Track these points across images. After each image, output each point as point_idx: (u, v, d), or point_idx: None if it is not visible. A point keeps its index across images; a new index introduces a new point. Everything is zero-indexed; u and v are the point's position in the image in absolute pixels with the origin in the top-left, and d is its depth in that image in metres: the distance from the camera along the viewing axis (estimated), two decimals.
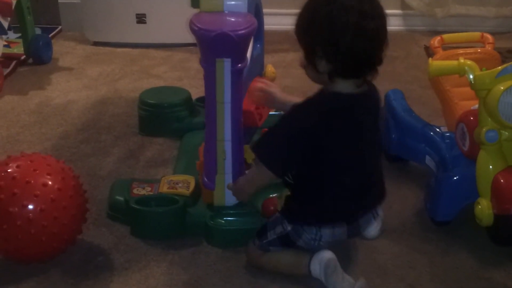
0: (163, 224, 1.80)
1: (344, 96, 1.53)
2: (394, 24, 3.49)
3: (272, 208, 1.72)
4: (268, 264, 1.66)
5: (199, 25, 1.65)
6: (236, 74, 1.70)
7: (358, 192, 1.61)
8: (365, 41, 1.47)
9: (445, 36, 2.13)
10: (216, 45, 1.64)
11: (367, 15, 1.46)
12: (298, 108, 1.57)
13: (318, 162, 1.56)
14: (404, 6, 3.50)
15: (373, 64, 1.52)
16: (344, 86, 1.53)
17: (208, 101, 1.74)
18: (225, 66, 1.67)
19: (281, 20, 3.39)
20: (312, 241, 1.61)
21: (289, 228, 1.62)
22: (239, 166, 1.80)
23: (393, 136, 2.09)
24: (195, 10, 1.76)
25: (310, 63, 1.53)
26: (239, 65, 1.69)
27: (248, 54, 1.78)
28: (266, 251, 1.65)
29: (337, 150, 1.55)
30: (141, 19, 3.25)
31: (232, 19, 1.71)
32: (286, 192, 1.70)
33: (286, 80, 2.82)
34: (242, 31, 1.65)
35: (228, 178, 1.78)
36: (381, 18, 1.49)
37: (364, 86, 1.56)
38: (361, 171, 1.61)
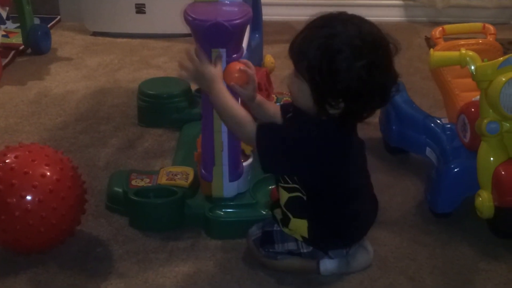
0: (162, 215, 1.79)
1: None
2: (395, 15, 3.47)
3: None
4: (274, 268, 1.63)
5: (193, 15, 1.64)
6: None
7: (372, 202, 1.62)
8: (387, 89, 1.45)
9: (447, 26, 2.12)
10: (210, 35, 1.62)
11: (384, 61, 1.43)
12: (313, 127, 1.45)
13: (338, 181, 1.51)
14: None
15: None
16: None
17: (204, 92, 1.72)
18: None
19: (280, 10, 3.39)
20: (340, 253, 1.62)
21: (306, 250, 1.59)
22: (237, 157, 1.79)
23: (394, 127, 2.07)
24: (190, 0, 1.74)
25: (318, 106, 1.42)
26: (235, 55, 1.67)
27: (244, 44, 1.76)
28: (273, 259, 1.62)
29: (353, 171, 1.54)
30: (140, 9, 3.23)
31: (227, 9, 1.69)
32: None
33: (286, 71, 2.76)
34: (237, 21, 1.63)
35: (226, 170, 1.77)
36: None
37: None
38: (368, 179, 1.62)
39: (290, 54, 1.45)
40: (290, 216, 1.57)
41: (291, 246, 1.60)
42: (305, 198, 1.53)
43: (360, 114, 1.46)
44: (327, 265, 1.61)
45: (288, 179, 1.54)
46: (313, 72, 1.39)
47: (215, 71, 1.56)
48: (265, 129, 1.50)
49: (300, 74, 1.43)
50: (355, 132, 1.56)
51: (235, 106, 1.52)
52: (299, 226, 1.56)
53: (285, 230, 1.60)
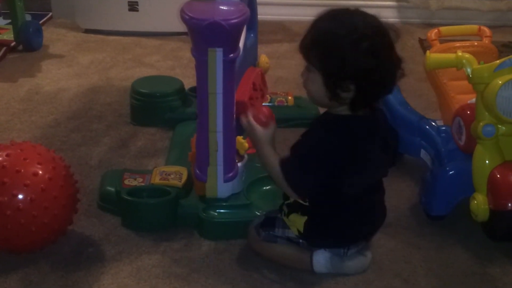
0: (155, 215, 1.78)
1: (361, 119, 1.53)
2: (388, 16, 3.46)
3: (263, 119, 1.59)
4: (269, 253, 1.65)
5: (190, 14, 1.63)
6: (229, 64, 1.67)
7: (374, 211, 1.63)
8: (392, 69, 1.49)
9: (442, 28, 2.11)
10: (207, 34, 1.61)
11: (387, 44, 1.49)
12: (324, 131, 1.52)
13: (340, 184, 1.53)
14: None
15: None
16: (347, 109, 1.52)
17: (200, 91, 1.71)
18: (217, 55, 1.65)
19: (275, 10, 3.38)
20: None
21: (304, 240, 1.62)
22: (231, 158, 1.78)
23: None
24: None
25: (330, 91, 1.48)
26: (232, 55, 1.67)
27: (241, 44, 1.76)
28: (272, 242, 1.64)
29: (359, 170, 1.54)
30: (133, 6, 3.22)
31: (224, 8, 1.68)
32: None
33: (280, 71, 2.79)
34: (234, 20, 1.62)
35: (220, 170, 1.76)
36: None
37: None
38: (374, 190, 1.62)
39: (302, 49, 1.51)
40: (291, 211, 1.62)
41: (291, 233, 1.62)
42: (306, 203, 1.57)
43: (369, 96, 1.50)
44: (321, 258, 1.61)
45: None
46: (323, 58, 1.47)
47: (262, 133, 1.58)
48: (285, 161, 1.55)
49: (311, 64, 1.50)
50: (375, 139, 1.56)
51: (274, 163, 1.56)
52: (297, 221, 1.60)
53: (285, 219, 1.63)
